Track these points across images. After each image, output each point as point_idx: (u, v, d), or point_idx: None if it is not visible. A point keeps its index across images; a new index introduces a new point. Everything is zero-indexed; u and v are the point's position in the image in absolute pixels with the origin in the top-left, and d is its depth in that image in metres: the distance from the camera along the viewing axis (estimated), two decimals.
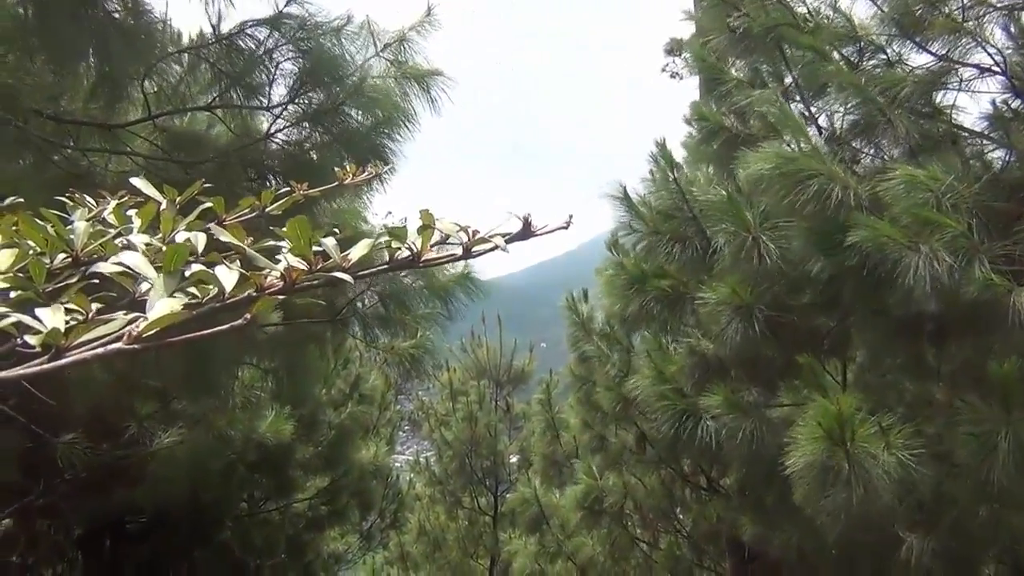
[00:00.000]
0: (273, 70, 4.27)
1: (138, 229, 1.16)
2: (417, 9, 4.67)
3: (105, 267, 0.94)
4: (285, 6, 4.16)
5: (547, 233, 1.00)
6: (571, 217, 1.03)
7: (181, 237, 1.05)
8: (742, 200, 4.10)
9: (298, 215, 0.97)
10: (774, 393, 4.38)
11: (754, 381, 4.48)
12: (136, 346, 0.76)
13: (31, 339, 0.78)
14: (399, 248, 0.99)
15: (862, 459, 3.28)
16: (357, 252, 0.95)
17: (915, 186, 3.40)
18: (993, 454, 3.24)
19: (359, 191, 4.73)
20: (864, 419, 3.43)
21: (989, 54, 3.99)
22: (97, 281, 0.98)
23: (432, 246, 0.99)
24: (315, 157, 4.50)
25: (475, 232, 0.99)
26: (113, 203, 1.27)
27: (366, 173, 1.55)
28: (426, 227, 0.98)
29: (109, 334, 0.79)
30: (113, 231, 1.16)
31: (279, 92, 4.36)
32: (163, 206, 1.24)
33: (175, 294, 0.84)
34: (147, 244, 1.07)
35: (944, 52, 4.09)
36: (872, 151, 4.23)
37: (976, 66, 4.05)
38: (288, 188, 1.43)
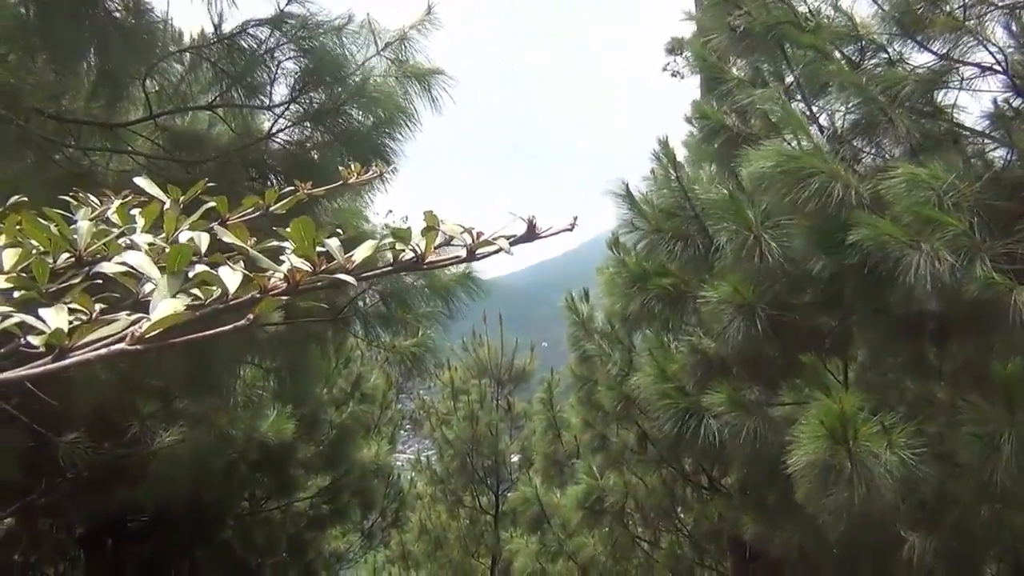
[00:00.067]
0: (274, 69, 4.26)
1: (141, 228, 1.16)
2: (417, 8, 4.67)
3: (109, 267, 0.94)
4: (286, 5, 4.16)
5: (552, 235, 0.99)
6: (575, 219, 1.03)
7: (184, 237, 1.05)
8: (744, 199, 4.10)
9: (301, 215, 0.97)
10: (776, 392, 4.37)
11: (756, 380, 4.47)
12: (139, 347, 0.76)
13: (34, 340, 0.78)
14: (403, 250, 0.99)
15: (864, 458, 3.28)
16: (361, 254, 0.95)
17: (916, 184, 3.40)
18: (996, 455, 3.23)
19: (360, 190, 4.74)
20: (866, 418, 3.42)
21: (990, 52, 3.99)
22: (100, 281, 0.98)
23: (436, 248, 0.99)
24: (316, 157, 4.50)
25: (479, 234, 0.99)
26: (117, 202, 1.27)
27: (370, 173, 1.55)
28: (430, 229, 0.98)
29: (112, 335, 0.79)
30: (117, 230, 1.16)
31: (281, 91, 4.36)
32: (167, 205, 1.24)
33: (178, 295, 0.84)
34: (150, 244, 1.07)
35: (945, 51, 4.09)
36: (873, 150, 4.23)
37: (977, 65, 4.04)
38: (291, 187, 1.43)
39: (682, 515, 7.49)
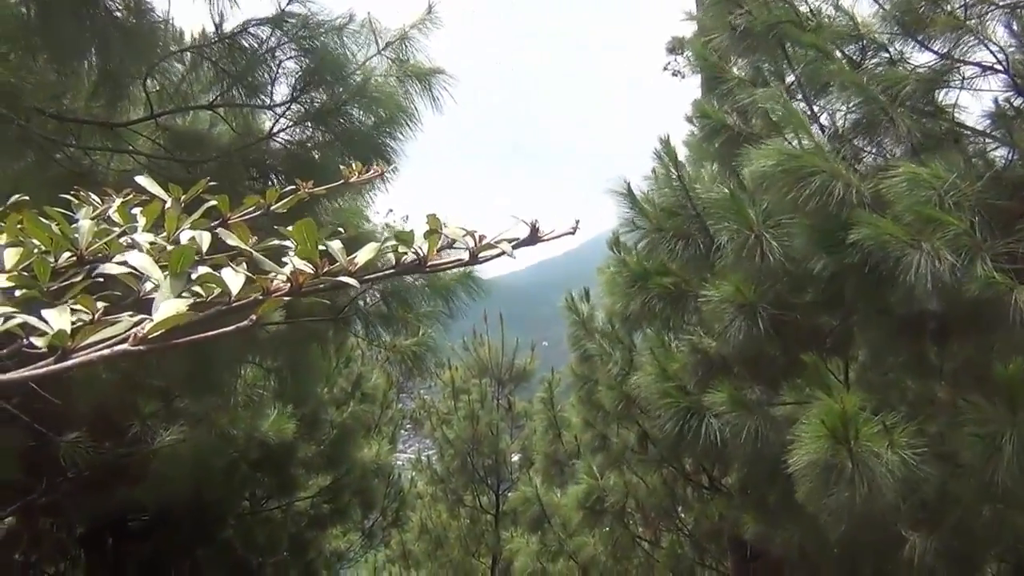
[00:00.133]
0: (275, 69, 4.26)
1: (143, 228, 1.16)
2: (418, 7, 4.67)
3: (111, 268, 0.94)
4: (287, 5, 4.16)
5: (554, 238, 0.99)
6: (577, 223, 1.03)
7: (186, 236, 1.05)
8: (745, 198, 4.10)
9: (302, 214, 0.97)
10: (777, 391, 4.37)
11: (757, 379, 4.47)
12: (142, 347, 0.76)
13: (37, 340, 0.78)
14: (405, 252, 0.99)
15: (866, 458, 3.28)
16: (363, 256, 0.94)
17: (917, 184, 3.40)
18: (998, 455, 3.23)
19: (361, 190, 4.73)
20: (867, 418, 3.42)
21: (991, 52, 3.99)
22: (102, 279, 0.98)
23: (438, 250, 0.99)
24: (317, 156, 4.50)
25: (482, 237, 0.99)
26: (118, 201, 1.27)
27: (370, 172, 1.55)
28: (433, 232, 0.98)
29: (115, 335, 0.79)
30: (118, 229, 1.16)
31: (282, 91, 4.36)
32: (168, 204, 1.24)
33: (181, 295, 0.84)
34: (151, 243, 1.07)
35: (946, 50, 4.09)
36: (874, 149, 4.23)
37: (978, 64, 4.04)
38: (292, 187, 1.43)
39: (683, 515, 7.49)
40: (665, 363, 4.88)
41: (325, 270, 0.92)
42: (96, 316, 0.84)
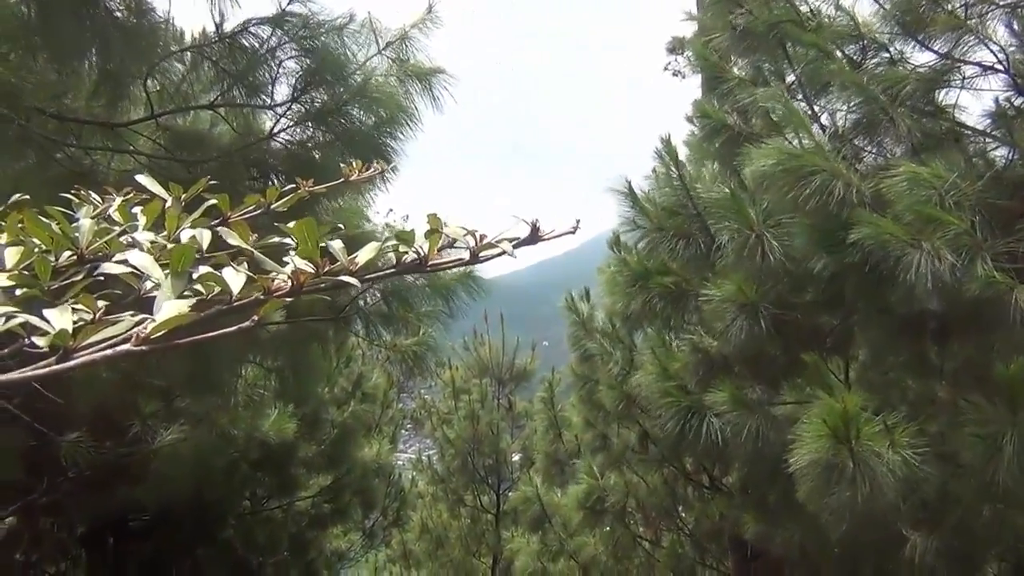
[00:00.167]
0: (276, 69, 4.26)
1: (143, 226, 1.16)
2: (418, 7, 4.67)
3: (112, 267, 0.94)
4: (288, 4, 4.16)
5: (554, 238, 0.99)
6: (578, 222, 1.03)
7: (186, 235, 1.05)
8: (745, 197, 4.10)
9: (302, 213, 0.97)
10: (778, 391, 4.37)
11: (758, 378, 4.47)
12: (144, 347, 0.76)
13: (39, 340, 0.78)
14: (406, 252, 0.99)
15: (867, 457, 3.28)
16: (364, 256, 0.94)
17: (918, 183, 3.40)
18: (998, 455, 3.23)
19: (361, 189, 4.74)
20: (868, 418, 3.42)
21: (992, 51, 3.99)
22: (102, 278, 0.98)
23: (439, 249, 0.99)
24: (318, 156, 4.49)
25: (482, 237, 0.99)
26: (118, 200, 1.28)
27: (371, 171, 1.55)
28: (433, 231, 0.98)
29: (117, 335, 0.79)
30: (118, 229, 1.16)
31: (282, 91, 4.36)
32: (168, 203, 1.24)
33: (182, 294, 0.84)
34: (152, 241, 1.07)
35: (946, 50, 4.09)
36: (874, 149, 4.23)
37: (978, 64, 4.04)
38: (292, 186, 1.43)
39: (683, 514, 7.49)
40: (666, 362, 4.88)
41: (326, 269, 0.92)
42: (97, 315, 0.84)
